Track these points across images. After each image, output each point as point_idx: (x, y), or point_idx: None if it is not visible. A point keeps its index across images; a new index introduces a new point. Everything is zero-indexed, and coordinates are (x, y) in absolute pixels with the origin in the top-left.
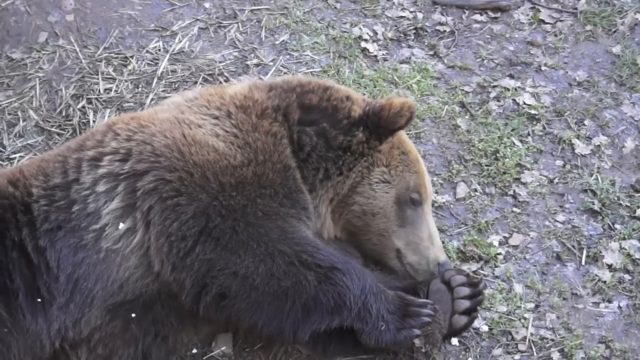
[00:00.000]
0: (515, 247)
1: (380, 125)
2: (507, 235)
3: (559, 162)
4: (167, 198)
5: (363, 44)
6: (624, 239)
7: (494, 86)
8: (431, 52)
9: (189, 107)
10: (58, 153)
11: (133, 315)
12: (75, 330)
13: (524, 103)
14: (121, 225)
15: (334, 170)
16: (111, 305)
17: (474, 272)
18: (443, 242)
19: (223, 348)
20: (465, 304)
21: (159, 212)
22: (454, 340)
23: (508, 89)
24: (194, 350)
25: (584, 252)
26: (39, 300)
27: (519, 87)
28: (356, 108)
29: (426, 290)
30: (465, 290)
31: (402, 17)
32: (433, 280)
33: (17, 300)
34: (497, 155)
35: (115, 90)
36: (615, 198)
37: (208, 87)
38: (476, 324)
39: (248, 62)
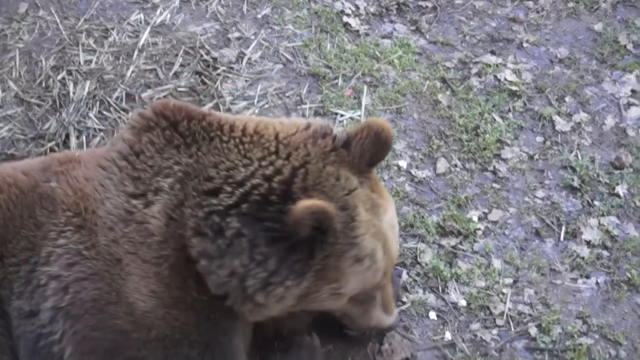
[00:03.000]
0: (495, 222)
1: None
2: (486, 210)
3: (539, 139)
4: None
5: (345, 19)
6: (602, 215)
7: (476, 62)
8: (413, 28)
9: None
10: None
11: None
12: None
13: (505, 79)
14: None
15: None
16: None
17: (452, 247)
18: (422, 217)
19: None
20: None
21: None
22: (432, 314)
23: (489, 65)
24: None
25: (563, 228)
26: None
27: (500, 63)
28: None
29: None
30: None
31: None
32: None
33: None
34: (478, 131)
35: (96, 62)
36: (595, 175)
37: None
38: (454, 298)
39: (229, 36)
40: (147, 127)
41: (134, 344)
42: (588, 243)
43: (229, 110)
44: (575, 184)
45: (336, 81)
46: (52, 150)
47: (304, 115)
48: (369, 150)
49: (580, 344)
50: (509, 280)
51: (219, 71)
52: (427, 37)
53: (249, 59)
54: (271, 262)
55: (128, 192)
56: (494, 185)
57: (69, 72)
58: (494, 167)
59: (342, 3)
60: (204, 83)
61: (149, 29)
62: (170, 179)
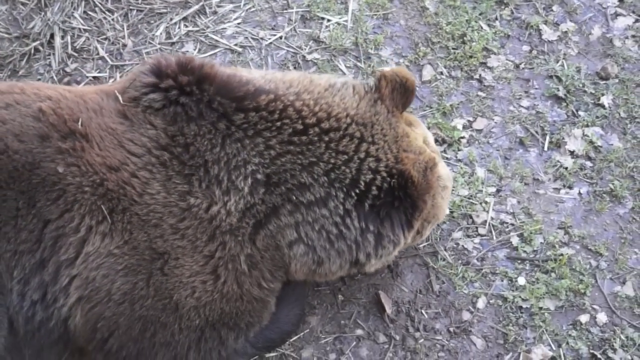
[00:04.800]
0: (479, 131)
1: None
2: (471, 119)
3: (526, 48)
4: None
5: None
6: (587, 126)
7: None
8: None
9: None
10: None
11: None
12: None
13: None
14: None
15: None
16: None
17: None
18: None
19: None
20: None
21: None
22: None
23: None
24: None
25: (547, 137)
26: None
27: None
28: None
29: None
30: None
31: None
32: None
33: None
34: (464, 38)
35: None
36: (580, 85)
37: None
38: None
39: None
40: (186, 115)
41: (169, 331)
42: (572, 153)
43: (215, 13)
44: (561, 93)
45: None
46: (36, 50)
47: (290, 20)
48: (400, 100)
49: (562, 254)
50: (492, 189)
51: None
52: None
53: None
54: (398, 239)
55: (181, 190)
56: (480, 93)
57: None
58: (480, 75)
59: None
60: None
61: None
62: (247, 180)
